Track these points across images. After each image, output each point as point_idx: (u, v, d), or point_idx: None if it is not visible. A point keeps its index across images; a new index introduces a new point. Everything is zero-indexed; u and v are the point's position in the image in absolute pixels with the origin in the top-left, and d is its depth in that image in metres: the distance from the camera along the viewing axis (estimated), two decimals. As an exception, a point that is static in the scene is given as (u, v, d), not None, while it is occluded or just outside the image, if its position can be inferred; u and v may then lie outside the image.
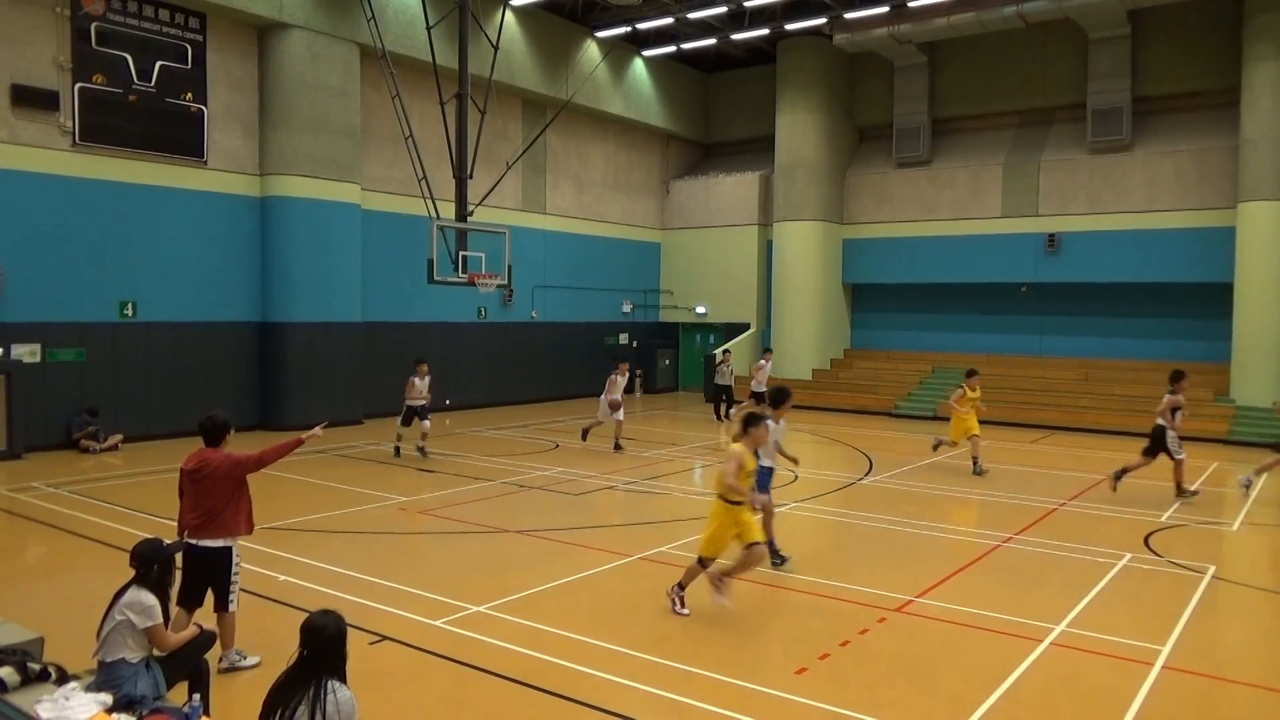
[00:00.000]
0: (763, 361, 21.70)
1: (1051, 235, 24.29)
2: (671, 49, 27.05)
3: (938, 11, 22.89)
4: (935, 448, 16.27)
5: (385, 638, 7.25)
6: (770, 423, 8.78)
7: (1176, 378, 13.78)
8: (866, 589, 8.77)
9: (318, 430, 7.17)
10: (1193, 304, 23.16)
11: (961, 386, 15.66)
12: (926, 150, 26.53)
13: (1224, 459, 17.82)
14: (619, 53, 26.89)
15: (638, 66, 28.00)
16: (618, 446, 17.32)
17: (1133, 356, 23.87)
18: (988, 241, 25.33)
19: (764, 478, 9.21)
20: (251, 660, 6.67)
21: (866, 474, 15.53)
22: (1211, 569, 9.75)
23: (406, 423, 16.18)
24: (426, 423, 16.09)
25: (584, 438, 17.92)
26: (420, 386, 15.98)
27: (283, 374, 19.44)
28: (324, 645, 4.05)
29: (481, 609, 8.00)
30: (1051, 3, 21.70)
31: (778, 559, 9.44)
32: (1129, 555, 10.25)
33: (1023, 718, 6.07)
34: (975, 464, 15.45)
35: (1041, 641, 7.41)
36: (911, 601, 8.41)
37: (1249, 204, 21.00)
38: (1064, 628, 7.73)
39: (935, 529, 11.60)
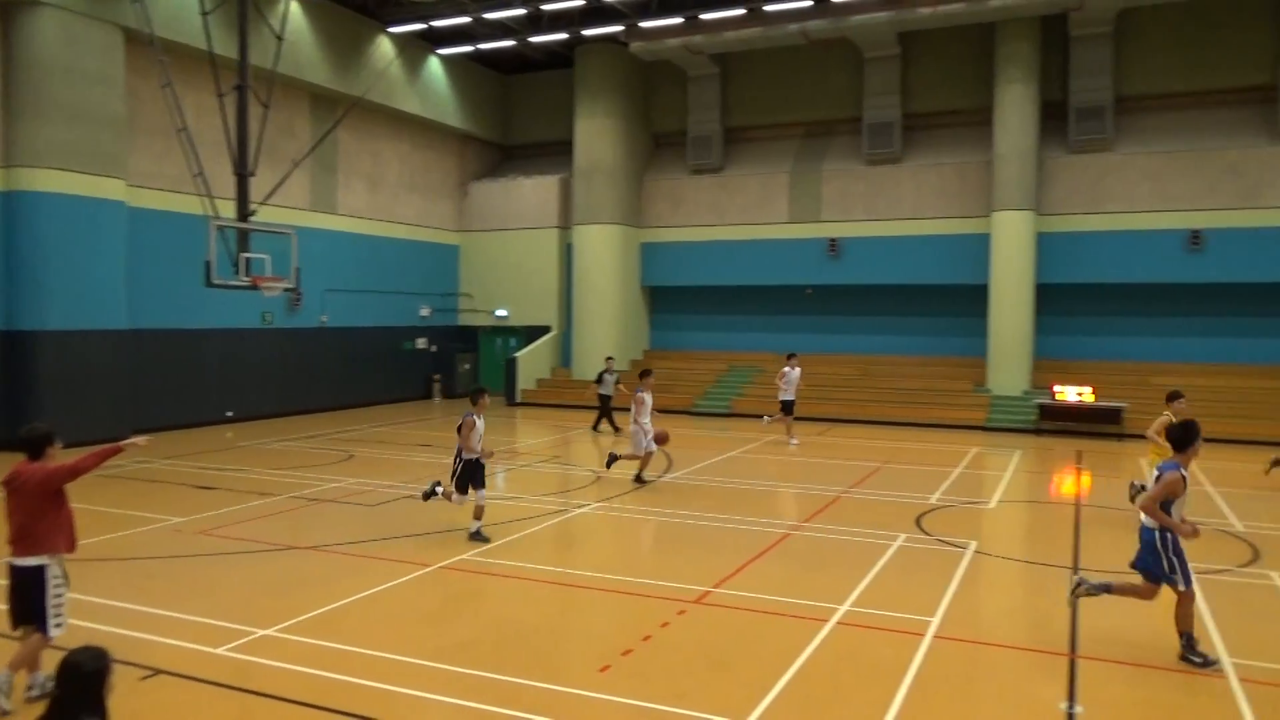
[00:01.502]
0: (786, 369, 19.66)
1: (833, 240, 25.88)
2: (469, 49, 26.64)
3: (728, 25, 23.87)
4: (1134, 496, 11.98)
5: (159, 671, 6.68)
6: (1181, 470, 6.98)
7: None
8: (667, 583, 8.98)
9: (139, 439, 6.84)
10: (956, 304, 25.34)
11: (1166, 413, 11.39)
12: (719, 158, 27.58)
13: (982, 444, 19.65)
14: (414, 50, 26.19)
15: (433, 65, 27.37)
16: (640, 479, 14.61)
17: (906, 353, 25.87)
18: (776, 246, 26.65)
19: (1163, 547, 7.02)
20: (2, 705, 5.98)
21: (666, 471, 15.91)
22: (973, 544, 10.72)
23: (476, 484, 10.70)
24: (483, 492, 10.75)
25: (639, 480, 14.59)
26: (482, 429, 10.78)
27: (32, 387, 17.43)
28: (79, 684, 3.73)
29: (269, 632, 7.53)
30: (831, 22, 23.17)
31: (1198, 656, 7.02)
32: (903, 536, 11.08)
33: (811, 694, 6.42)
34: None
35: (828, 621, 7.86)
36: (709, 592, 8.70)
37: (1000, 213, 23.30)
38: (848, 607, 8.24)
39: (730, 521, 12.03)
